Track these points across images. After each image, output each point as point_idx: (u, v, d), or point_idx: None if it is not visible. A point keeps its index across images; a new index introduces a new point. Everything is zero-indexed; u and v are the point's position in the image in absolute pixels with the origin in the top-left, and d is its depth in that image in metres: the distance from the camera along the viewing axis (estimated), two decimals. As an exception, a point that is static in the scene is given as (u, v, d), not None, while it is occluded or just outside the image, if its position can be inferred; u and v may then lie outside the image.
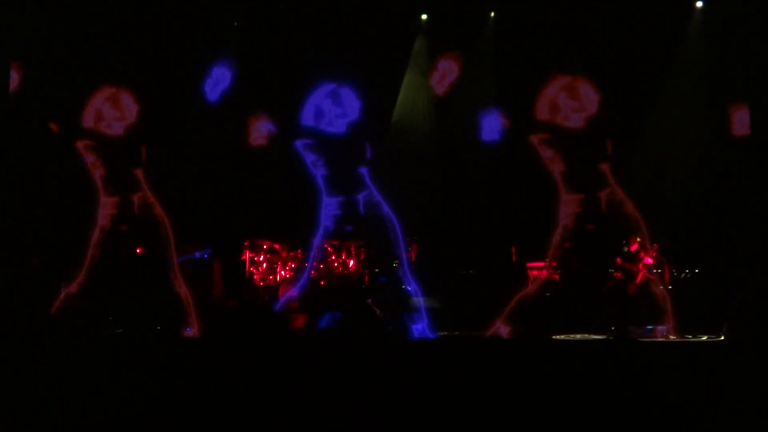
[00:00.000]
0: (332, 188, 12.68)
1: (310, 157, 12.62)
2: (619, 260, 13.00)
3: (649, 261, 12.68)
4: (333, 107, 12.68)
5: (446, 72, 15.30)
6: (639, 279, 12.62)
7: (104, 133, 12.79)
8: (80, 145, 12.71)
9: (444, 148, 15.85)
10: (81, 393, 7.28)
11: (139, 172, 12.74)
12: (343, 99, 12.81)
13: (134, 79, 13.09)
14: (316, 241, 13.26)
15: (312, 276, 13.26)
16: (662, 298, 12.29)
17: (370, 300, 12.22)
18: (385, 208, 12.56)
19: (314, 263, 13.25)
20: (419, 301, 12.66)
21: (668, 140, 14.77)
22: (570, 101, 12.22)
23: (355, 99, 12.88)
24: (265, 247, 14.31)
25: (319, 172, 12.73)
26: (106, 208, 12.71)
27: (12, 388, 7.34)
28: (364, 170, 12.55)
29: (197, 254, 13.31)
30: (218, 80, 15.38)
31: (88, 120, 12.74)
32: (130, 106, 12.76)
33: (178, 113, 14.91)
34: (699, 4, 14.87)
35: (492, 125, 13.78)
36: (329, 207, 12.77)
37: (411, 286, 12.75)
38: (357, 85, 12.98)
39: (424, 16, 15.98)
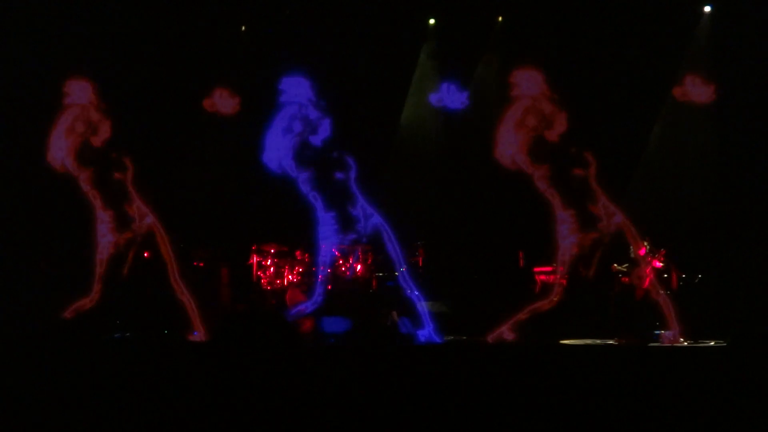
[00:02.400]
0: (325, 204, 12.74)
1: (301, 175, 12.67)
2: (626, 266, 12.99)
3: (657, 266, 12.66)
4: (301, 126, 12.72)
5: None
6: (646, 284, 12.59)
7: (83, 149, 12.89)
8: (65, 163, 12.79)
9: (450, 154, 15.85)
10: (88, 395, 7.30)
11: (129, 184, 12.84)
12: (310, 117, 12.86)
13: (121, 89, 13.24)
14: (321, 257, 13.30)
15: (322, 291, 13.28)
16: (667, 303, 12.28)
17: (392, 312, 12.24)
18: (379, 219, 12.61)
19: (323, 279, 13.31)
20: (426, 305, 12.66)
21: (671, 143, 14.79)
22: (536, 122, 12.35)
23: (321, 116, 12.91)
24: (272, 251, 14.33)
25: (309, 190, 12.77)
26: (104, 222, 12.79)
27: (20, 389, 7.37)
28: (353, 183, 12.58)
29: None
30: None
31: (62, 137, 12.82)
32: (102, 122, 12.86)
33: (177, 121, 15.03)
34: (707, 9, 14.88)
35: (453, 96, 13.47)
36: (326, 223, 12.85)
37: (417, 291, 12.76)
38: (325, 103, 13.06)
39: (431, 21, 15.99)
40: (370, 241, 13.18)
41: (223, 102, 15.04)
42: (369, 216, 12.48)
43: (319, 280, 13.17)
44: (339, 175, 12.63)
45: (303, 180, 12.64)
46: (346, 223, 12.74)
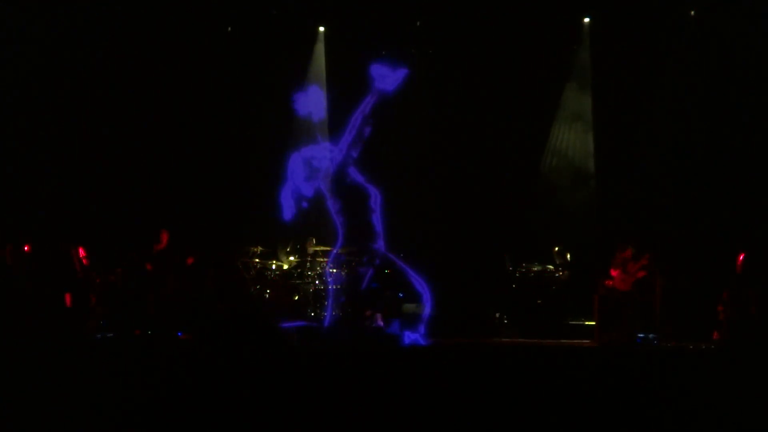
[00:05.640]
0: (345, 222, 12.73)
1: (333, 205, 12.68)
2: (611, 270, 13.04)
3: (640, 268, 12.70)
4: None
5: None
6: (630, 286, 12.63)
7: None
8: None
9: (436, 154, 15.88)
10: (72, 395, 7.29)
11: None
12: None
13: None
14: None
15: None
16: (652, 305, 12.33)
17: (370, 312, 12.24)
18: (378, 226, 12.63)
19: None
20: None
21: (659, 145, 14.88)
22: None
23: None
24: (257, 252, 14.36)
25: (335, 208, 12.74)
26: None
27: (6, 389, 7.36)
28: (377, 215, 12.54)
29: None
30: None
31: None
32: None
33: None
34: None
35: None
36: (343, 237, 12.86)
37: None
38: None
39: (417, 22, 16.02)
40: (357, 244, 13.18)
41: None
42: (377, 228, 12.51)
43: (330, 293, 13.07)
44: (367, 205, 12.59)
45: (332, 203, 12.62)
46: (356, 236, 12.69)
